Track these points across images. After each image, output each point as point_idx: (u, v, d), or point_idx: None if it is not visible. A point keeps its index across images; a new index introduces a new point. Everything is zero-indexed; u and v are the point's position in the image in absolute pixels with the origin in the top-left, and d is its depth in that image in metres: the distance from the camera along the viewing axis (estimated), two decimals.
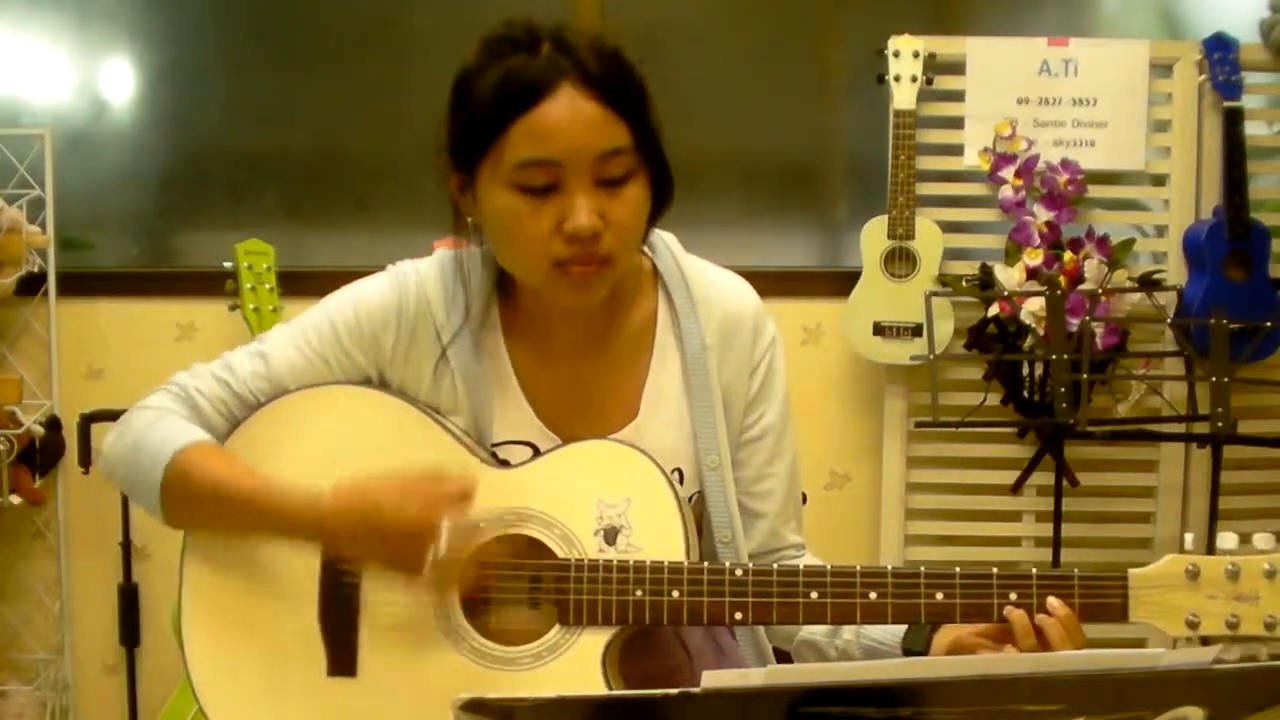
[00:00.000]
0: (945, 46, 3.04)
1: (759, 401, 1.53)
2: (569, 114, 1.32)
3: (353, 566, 1.40)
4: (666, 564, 1.37)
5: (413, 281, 1.49)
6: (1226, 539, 1.31)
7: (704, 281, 1.53)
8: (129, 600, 3.07)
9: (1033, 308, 2.89)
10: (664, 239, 1.55)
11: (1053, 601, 1.33)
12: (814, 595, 1.36)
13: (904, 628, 1.42)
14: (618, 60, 1.36)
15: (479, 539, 1.37)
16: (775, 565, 1.38)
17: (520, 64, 1.33)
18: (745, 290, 1.55)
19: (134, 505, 1.50)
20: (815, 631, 1.50)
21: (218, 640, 1.44)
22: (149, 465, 1.41)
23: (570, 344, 1.50)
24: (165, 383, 1.50)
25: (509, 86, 1.32)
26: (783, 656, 1.57)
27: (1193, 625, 1.30)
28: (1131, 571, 1.33)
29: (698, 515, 1.49)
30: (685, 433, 1.50)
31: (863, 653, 1.47)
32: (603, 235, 1.35)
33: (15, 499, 2.89)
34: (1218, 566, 1.31)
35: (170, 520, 1.44)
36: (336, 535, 1.36)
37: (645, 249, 1.54)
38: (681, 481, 1.49)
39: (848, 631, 1.48)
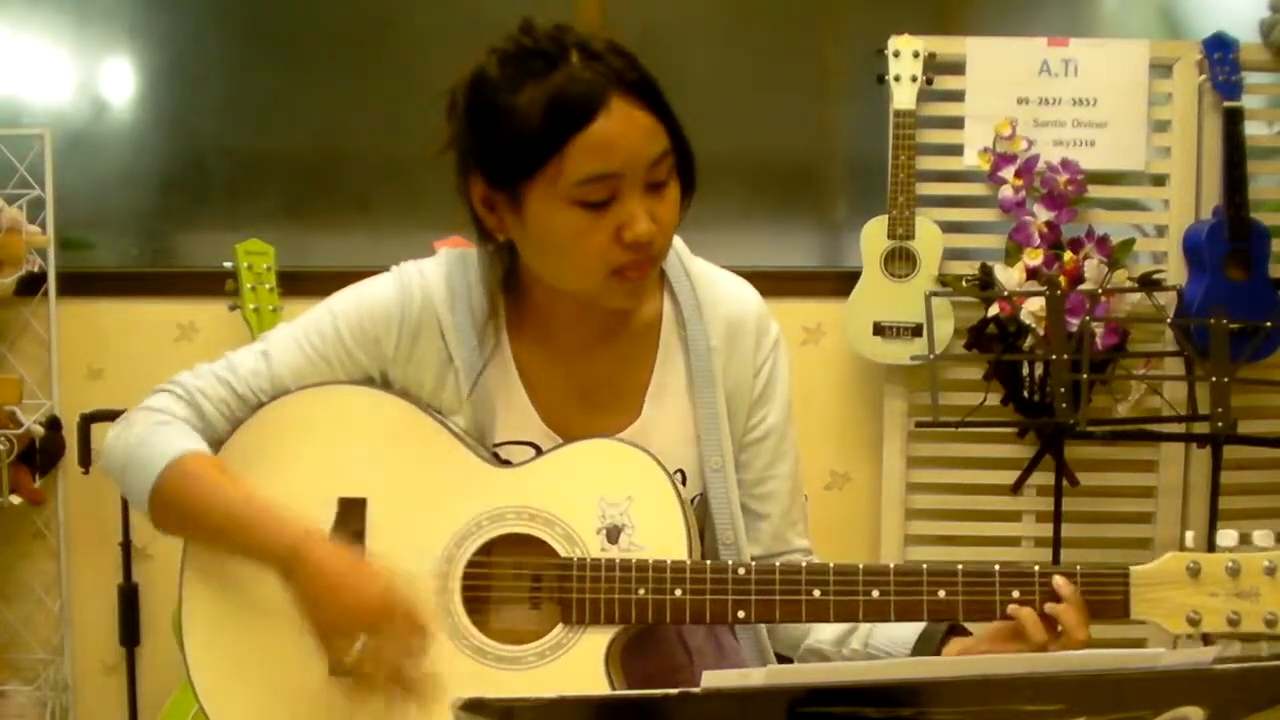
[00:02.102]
0: (945, 46, 3.04)
1: (762, 402, 1.53)
2: (625, 125, 1.31)
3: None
4: (669, 563, 1.37)
5: (417, 283, 1.49)
6: (1227, 536, 1.32)
7: (710, 284, 1.53)
8: (129, 600, 3.07)
9: (1033, 308, 2.89)
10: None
11: (1058, 580, 1.33)
12: (817, 593, 1.36)
13: (913, 638, 1.42)
14: (638, 61, 1.36)
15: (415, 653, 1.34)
16: (778, 564, 1.38)
17: (564, 79, 1.31)
18: (750, 293, 1.56)
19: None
20: (822, 639, 1.50)
21: (218, 640, 1.44)
22: (145, 468, 1.42)
23: (576, 343, 1.50)
24: (168, 382, 1.50)
25: (561, 105, 1.30)
26: (785, 661, 1.57)
27: (1194, 622, 1.31)
28: (1133, 569, 1.34)
29: (700, 517, 1.49)
30: (688, 434, 1.50)
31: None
32: (655, 237, 1.35)
33: (15, 499, 2.88)
34: (1218, 564, 1.31)
35: (157, 524, 1.44)
36: (298, 586, 1.35)
37: None
38: (684, 483, 1.49)
39: (855, 640, 1.48)
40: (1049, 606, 1.33)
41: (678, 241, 1.55)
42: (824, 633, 1.50)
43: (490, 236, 1.43)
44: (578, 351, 1.50)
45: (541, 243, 1.38)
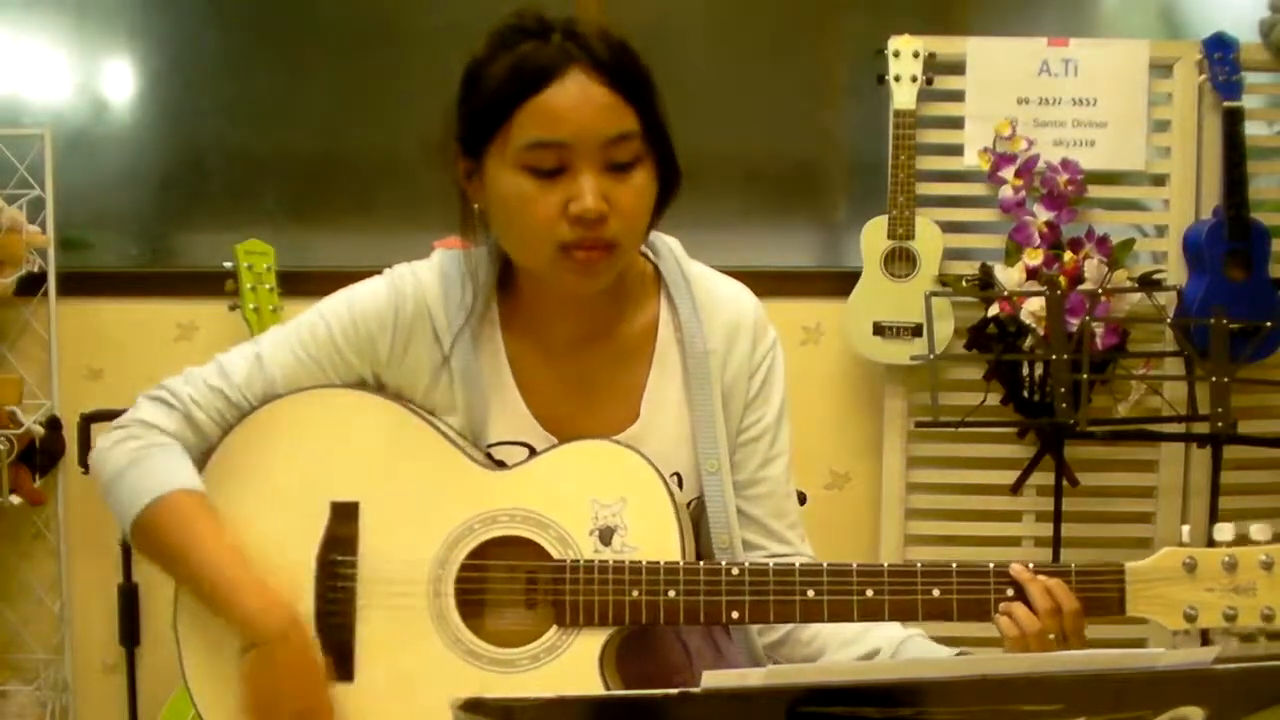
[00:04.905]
0: (945, 46, 3.04)
1: (758, 403, 1.53)
2: (578, 96, 1.33)
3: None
4: (662, 564, 1.37)
5: (410, 284, 1.49)
6: (1223, 531, 1.31)
7: (708, 287, 1.53)
8: (129, 600, 3.07)
9: (1033, 308, 2.89)
10: (668, 243, 1.55)
11: (1015, 568, 1.36)
12: (810, 593, 1.36)
13: None
14: (626, 49, 1.37)
15: None
16: (771, 564, 1.38)
17: (531, 49, 1.34)
18: (747, 297, 1.55)
19: None
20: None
21: (214, 644, 1.43)
22: (128, 499, 1.44)
23: (570, 342, 1.50)
24: (158, 389, 1.49)
25: (519, 70, 1.34)
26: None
27: (1190, 618, 1.31)
28: (1128, 565, 1.34)
29: (696, 520, 1.49)
30: (685, 438, 1.50)
31: None
32: (609, 219, 1.35)
33: (15, 499, 2.88)
34: (1214, 559, 1.31)
35: (137, 550, 1.49)
36: (264, 665, 1.38)
37: (649, 253, 1.54)
38: (681, 486, 1.48)
39: None
40: (1043, 582, 1.33)
41: (675, 245, 1.56)
42: (839, 656, 1.48)
43: (470, 211, 1.44)
44: (571, 351, 1.50)
45: (498, 211, 1.40)
